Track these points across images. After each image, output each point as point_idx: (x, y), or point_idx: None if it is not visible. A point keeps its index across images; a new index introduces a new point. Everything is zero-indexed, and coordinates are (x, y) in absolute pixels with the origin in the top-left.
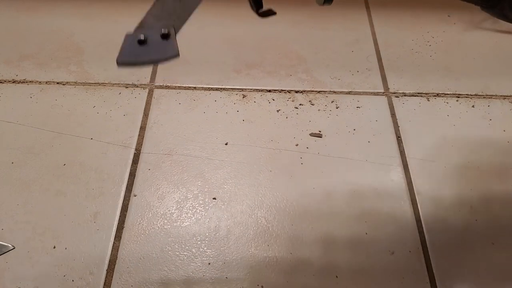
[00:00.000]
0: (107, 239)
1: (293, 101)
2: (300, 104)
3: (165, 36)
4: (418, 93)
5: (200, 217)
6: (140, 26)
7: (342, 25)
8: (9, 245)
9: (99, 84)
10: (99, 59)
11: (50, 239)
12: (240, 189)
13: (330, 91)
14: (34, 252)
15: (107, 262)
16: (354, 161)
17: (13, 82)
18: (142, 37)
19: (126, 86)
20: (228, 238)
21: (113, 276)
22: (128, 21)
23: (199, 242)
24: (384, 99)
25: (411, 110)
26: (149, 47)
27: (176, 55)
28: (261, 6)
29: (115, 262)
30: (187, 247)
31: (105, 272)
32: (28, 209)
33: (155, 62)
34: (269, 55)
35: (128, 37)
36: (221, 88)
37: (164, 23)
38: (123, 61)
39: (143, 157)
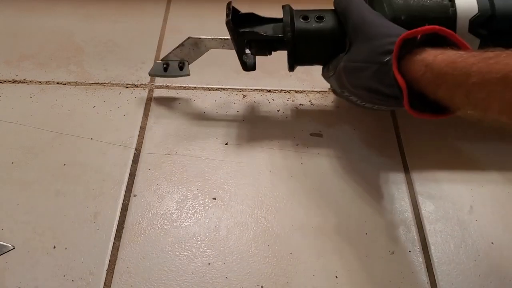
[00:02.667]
0: (107, 239)
1: (293, 101)
2: (300, 104)
3: (181, 67)
4: None
5: (200, 217)
6: (165, 59)
7: None
8: (9, 245)
9: (99, 84)
10: (99, 59)
11: (50, 239)
12: (240, 189)
13: (331, 91)
14: (34, 252)
15: (107, 262)
16: (354, 161)
17: (13, 82)
18: (165, 65)
19: (126, 86)
20: (228, 238)
21: (113, 276)
22: (128, 21)
23: (199, 242)
24: None
25: None
26: (170, 70)
27: (187, 75)
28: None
29: (115, 262)
30: (187, 247)
31: (105, 272)
32: (28, 209)
33: (173, 77)
34: None
35: (157, 63)
36: (221, 88)
37: (181, 59)
38: (153, 74)
39: (143, 157)
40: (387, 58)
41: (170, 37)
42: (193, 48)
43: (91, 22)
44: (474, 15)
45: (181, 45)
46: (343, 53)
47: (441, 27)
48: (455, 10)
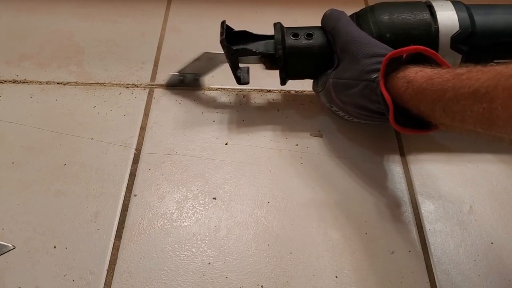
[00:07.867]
0: (107, 239)
1: (293, 101)
2: (300, 104)
3: (195, 79)
4: None
5: (200, 217)
6: (180, 71)
7: None
8: (9, 245)
9: (99, 84)
10: (99, 59)
11: (50, 239)
12: (240, 189)
13: None
14: (34, 252)
15: (107, 262)
16: (354, 161)
17: (13, 82)
18: (180, 77)
19: (126, 86)
20: (228, 238)
21: (114, 276)
22: (128, 21)
23: (199, 242)
24: None
25: None
26: (186, 82)
27: (202, 87)
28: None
29: (116, 262)
30: (187, 247)
31: (105, 272)
32: (28, 209)
33: (188, 88)
34: None
35: (172, 75)
36: (221, 88)
37: (195, 72)
38: (169, 85)
39: (143, 157)
40: (375, 76)
41: (170, 37)
42: (208, 62)
43: (91, 22)
44: (455, 32)
45: (197, 59)
46: (331, 69)
47: (425, 47)
48: (438, 27)
